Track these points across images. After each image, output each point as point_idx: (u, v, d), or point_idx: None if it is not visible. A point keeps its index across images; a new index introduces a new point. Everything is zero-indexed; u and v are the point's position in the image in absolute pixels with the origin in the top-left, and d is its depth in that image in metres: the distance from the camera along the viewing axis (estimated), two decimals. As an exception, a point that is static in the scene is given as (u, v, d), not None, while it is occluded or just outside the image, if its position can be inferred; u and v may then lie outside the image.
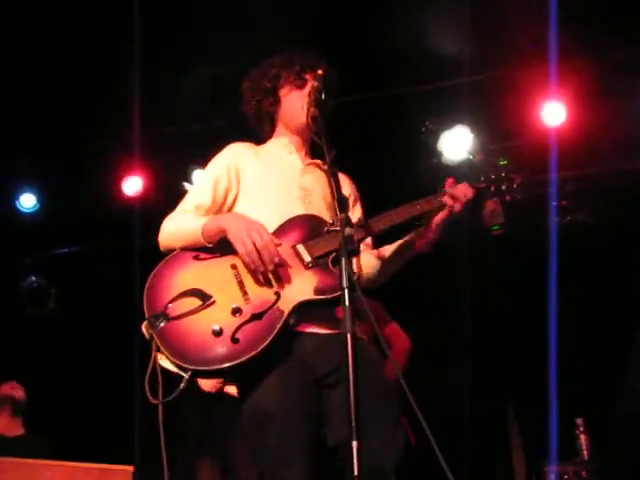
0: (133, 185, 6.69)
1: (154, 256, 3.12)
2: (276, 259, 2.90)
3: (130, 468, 4.21)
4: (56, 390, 6.87)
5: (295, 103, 3.29)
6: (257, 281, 2.93)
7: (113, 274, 6.98)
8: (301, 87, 3.30)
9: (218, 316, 2.85)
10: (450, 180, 3.18)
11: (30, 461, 4.39)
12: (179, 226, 3.11)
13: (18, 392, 5.84)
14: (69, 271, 7.40)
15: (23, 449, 5.43)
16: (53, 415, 6.49)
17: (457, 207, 3.11)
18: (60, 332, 7.19)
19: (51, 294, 7.55)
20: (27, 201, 6.92)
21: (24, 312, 7.44)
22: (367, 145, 6.08)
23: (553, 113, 5.97)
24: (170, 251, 3.09)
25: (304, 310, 2.90)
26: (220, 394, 4.82)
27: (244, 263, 2.94)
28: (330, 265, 2.95)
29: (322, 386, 2.91)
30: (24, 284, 7.49)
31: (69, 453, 5.24)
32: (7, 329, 7.04)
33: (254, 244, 2.89)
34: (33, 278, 7.50)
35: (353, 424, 2.31)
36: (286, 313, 2.86)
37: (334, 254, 2.94)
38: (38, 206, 6.95)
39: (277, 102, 3.34)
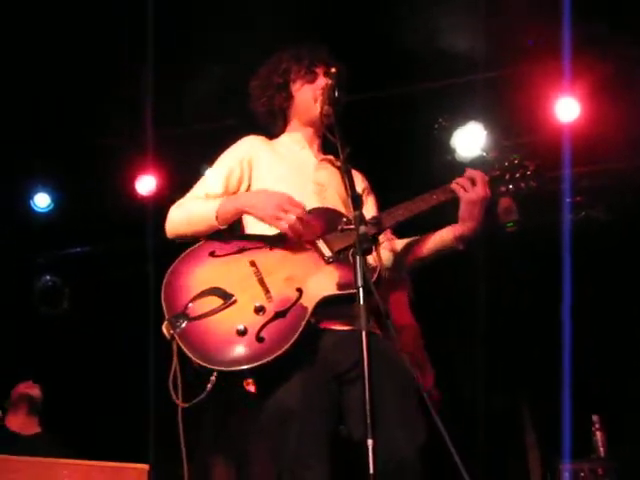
0: (147, 184, 6.70)
1: (168, 255, 3.11)
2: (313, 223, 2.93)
3: (146, 466, 4.21)
4: (70, 389, 6.89)
5: (308, 97, 3.30)
6: (278, 278, 2.91)
7: (127, 273, 7.00)
8: (312, 81, 3.31)
9: (241, 315, 2.82)
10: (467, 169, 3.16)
11: (46, 460, 4.39)
12: (189, 211, 3.08)
13: (34, 391, 5.86)
14: (83, 271, 7.42)
15: (39, 448, 5.46)
16: (68, 414, 6.52)
17: (473, 192, 3.07)
18: (74, 331, 7.21)
19: (65, 293, 7.57)
20: (41, 201, 6.95)
21: (38, 311, 7.47)
22: (380, 143, 6.06)
23: (566, 109, 5.94)
24: (178, 238, 3.09)
25: (324, 307, 2.87)
26: None
27: (288, 237, 2.94)
28: (351, 259, 2.91)
29: (343, 382, 2.89)
30: (38, 283, 7.52)
31: (84, 452, 5.27)
32: (21, 328, 7.07)
33: (295, 213, 2.89)
34: (47, 277, 7.52)
35: (368, 421, 2.31)
36: (310, 310, 2.83)
37: (354, 248, 2.93)
38: (52, 206, 6.97)
39: (289, 97, 3.34)
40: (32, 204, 6.94)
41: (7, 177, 6.63)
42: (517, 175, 3.17)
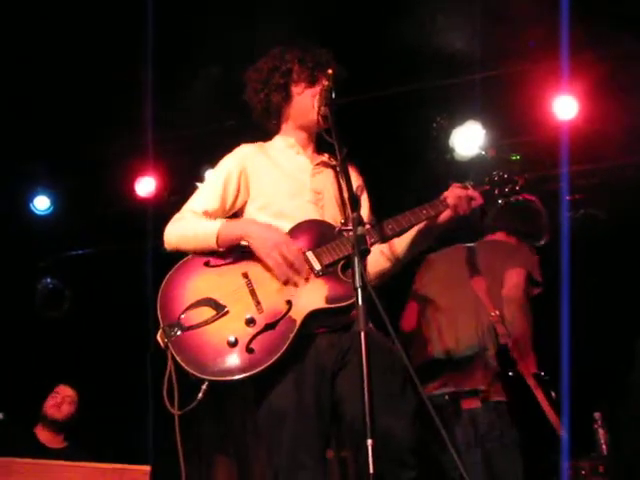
0: (146, 186, 6.71)
1: (167, 257, 3.14)
2: (305, 270, 2.96)
3: (147, 468, 4.23)
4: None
5: (307, 100, 3.29)
6: (269, 290, 2.96)
7: (127, 275, 7.00)
8: (313, 84, 3.30)
9: (232, 326, 2.89)
10: (455, 185, 3.21)
11: (48, 462, 4.40)
12: (190, 229, 3.11)
13: (61, 412, 5.85)
14: (83, 273, 7.42)
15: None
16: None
17: (460, 211, 3.17)
18: (75, 333, 7.22)
19: (66, 296, 7.57)
20: (41, 203, 6.96)
21: (39, 314, 7.46)
22: (378, 142, 6.07)
23: (565, 107, 5.94)
24: (176, 252, 3.12)
25: (314, 318, 2.94)
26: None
27: (275, 274, 2.97)
28: (340, 273, 2.98)
29: (336, 373, 2.97)
30: (39, 286, 7.52)
31: (82, 454, 5.28)
32: (23, 331, 7.07)
33: (284, 257, 2.93)
34: (48, 280, 7.52)
35: (367, 422, 2.32)
36: (298, 322, 2.89)
37: (343, 261, 2.98)
38: (52, 208, 6.98)
39: (288, 97, 3.33)
40: (32, 207, 6.96)
41: (6, 180, 6.64)
42: (506, 190, 3.28)
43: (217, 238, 3.03)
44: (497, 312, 4.41)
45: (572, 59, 5.44)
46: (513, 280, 4.53)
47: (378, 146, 6.05)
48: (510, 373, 4.36)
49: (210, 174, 3.34)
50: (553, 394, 4.45)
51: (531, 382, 4.36)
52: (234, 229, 3.05)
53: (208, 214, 3.17)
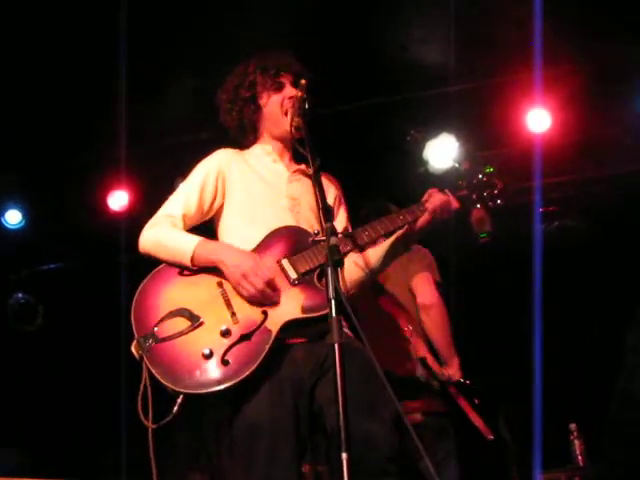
0: (119, 200, 6.66)
1: (140, 270, 3.10)
2: (272, 298, 2.92)
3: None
4: (43, 406, 6.82)
5: (275, 108, 3.30)
6: (244, 300, 2.93)
7: (100, 289, 6.94)
8: (279, 90, 3.31)
9: (207, 338, 2.85)
10: (433, 190, 3.18)
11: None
12: (166, 239, 3.08)
13: None
14: (56, 287, 7.35)
15: None
16: (40, 431, 6.44)
17: (438, 216, 3.12)
18: (48, 348, 7.14)
19: (39, 310, 7.48)
20: (13, 217, 6.89)
21: (11, 329, 7.38)
22: (353, 155, 6.07)
23: (538, 120, 5.98)
24: (148, 256, 3.09)
25: (289, 327, 2.91)
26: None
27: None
28: (316, 281, 2.95)
29: (314, 383, 2.93)
30: (11, 301, 7.43)
31: (56, 470, 5.20)
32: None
33: (254, 287, 2.89)
34: (20, 295, 7.44)
35: (342, 436, 2.29)
36: (274, 333, 2.86)
37: (319, 269, 2.96)
38: (24, 222, 6.91)
39: (258, 109, 3.34)
40: (3, 221, 6.88)
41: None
42: (485, 194, 3.25)
43: (192, 259, 3.00)
44: (410, 327, 4.38)
45: (545, 72, 5.48)
46: (425, 286, 4.51)
47: (352, 159, 6.04)
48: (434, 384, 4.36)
49: (187, 177, 3.31)
50: (476, 400, 4.43)
51: (452, 391, 4.35)
52: (209, 254, 3.00)
53: (187, 218, 3.16)
